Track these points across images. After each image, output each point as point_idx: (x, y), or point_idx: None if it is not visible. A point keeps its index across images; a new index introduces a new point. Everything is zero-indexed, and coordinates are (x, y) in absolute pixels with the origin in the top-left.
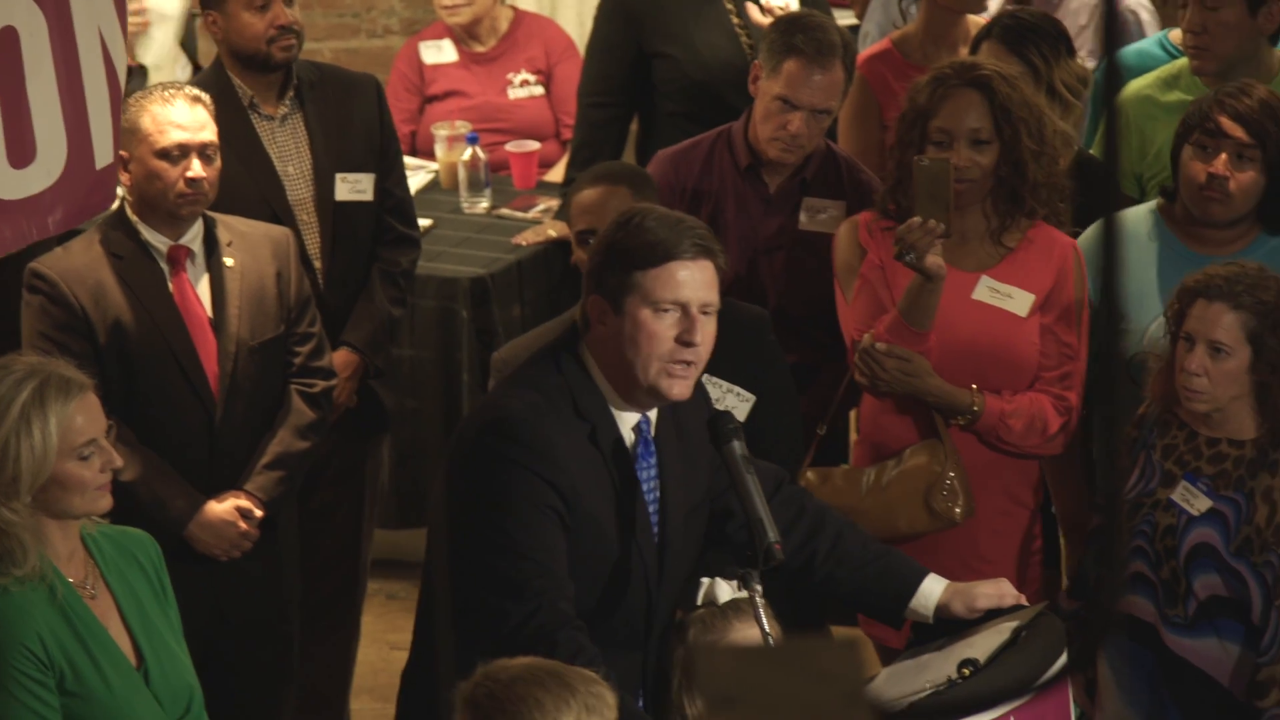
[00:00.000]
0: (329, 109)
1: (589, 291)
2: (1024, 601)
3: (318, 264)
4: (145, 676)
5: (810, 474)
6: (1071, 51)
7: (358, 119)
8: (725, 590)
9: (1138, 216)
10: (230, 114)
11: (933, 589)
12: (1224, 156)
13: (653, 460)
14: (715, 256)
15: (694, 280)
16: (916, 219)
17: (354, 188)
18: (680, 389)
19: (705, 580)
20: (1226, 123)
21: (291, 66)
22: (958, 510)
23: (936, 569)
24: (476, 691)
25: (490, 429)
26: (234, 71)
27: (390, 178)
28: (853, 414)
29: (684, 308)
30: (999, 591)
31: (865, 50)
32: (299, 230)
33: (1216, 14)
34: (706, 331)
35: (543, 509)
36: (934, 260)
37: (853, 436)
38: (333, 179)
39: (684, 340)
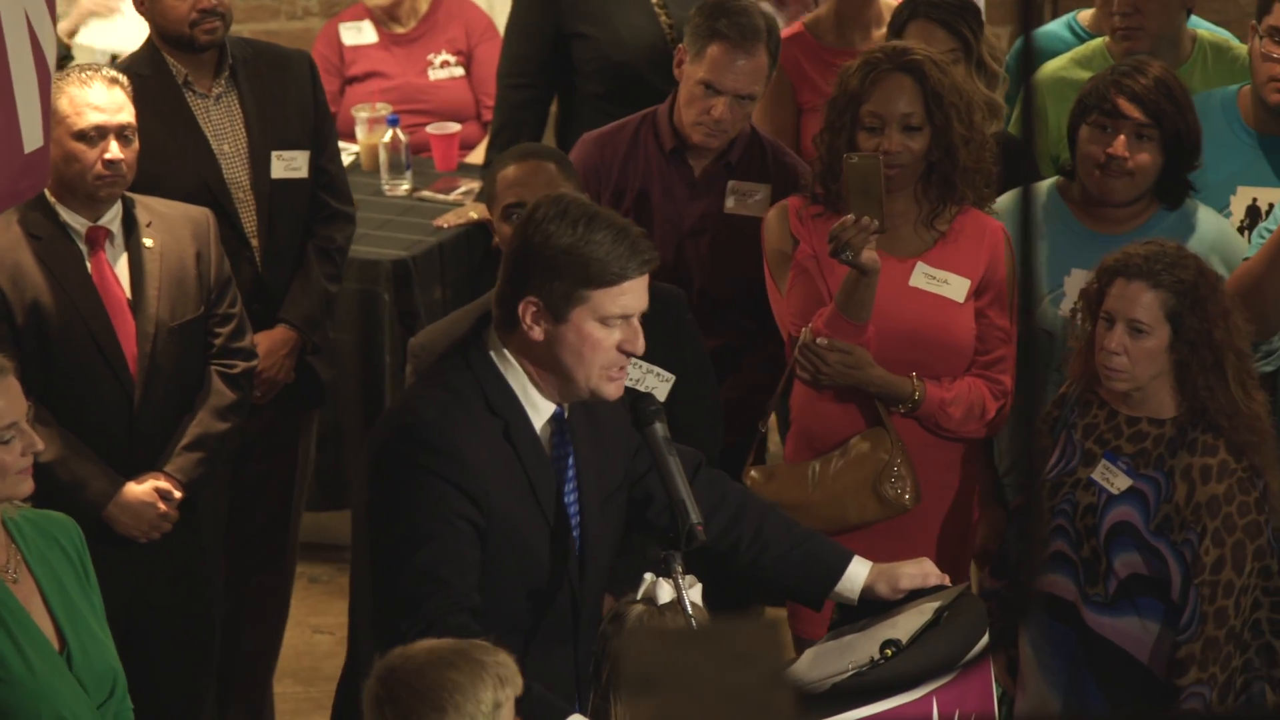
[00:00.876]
0: (263, 87)
1: (521, 290)
2: (947, 582)
3: (254, 242)
4: (68, 660)
5: (754, 473)
6: (982, 24)
7: (292, 96)
8: (667, 591)
9: (1035, 195)
10: (165, 93)
11: (858, 572)
12: (1123, 138)
13: (569, 449)
14: (655, 266)
15: (638, 291)
16: (850, 217)
17: (289, 165)
18: (618, 389)
19: (649, 576)
20: (1124, 103)
21: (225, 45)
22: (907, 496)
23: (875, 554)
24: (390, 684)
25: (400, 435)
26: (165, 51)
27: (325, 154)
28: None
29: (627, 318)
30: (922, 571)
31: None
32: (235, 209)
33: None
34: (642, 333)
35: (451, 519)
36: (869, 255)
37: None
38: (268, 157)
39: (627, 350)
